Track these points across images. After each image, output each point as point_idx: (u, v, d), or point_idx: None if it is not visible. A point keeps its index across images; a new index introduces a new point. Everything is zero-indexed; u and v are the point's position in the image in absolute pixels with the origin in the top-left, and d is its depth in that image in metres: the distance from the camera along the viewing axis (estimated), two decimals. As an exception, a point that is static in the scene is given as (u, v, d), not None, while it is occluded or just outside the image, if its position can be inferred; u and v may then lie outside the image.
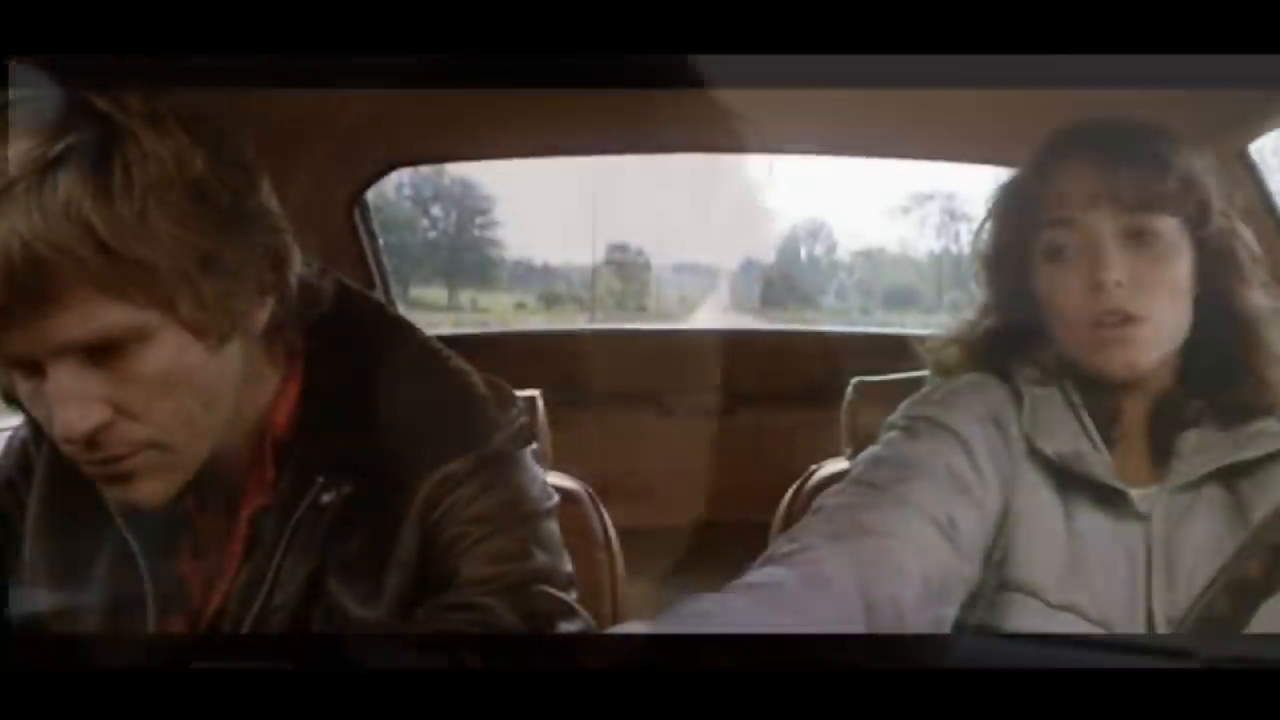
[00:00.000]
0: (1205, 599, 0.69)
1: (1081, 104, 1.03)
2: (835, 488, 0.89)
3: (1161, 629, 0.85)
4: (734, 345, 2.38)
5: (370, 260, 1.93)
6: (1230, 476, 0.91)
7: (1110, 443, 0.92)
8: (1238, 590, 0.68)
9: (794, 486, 1.19)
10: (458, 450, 0.85)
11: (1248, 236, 0.95)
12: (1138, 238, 0.90)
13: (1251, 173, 1.47)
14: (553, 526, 0.90)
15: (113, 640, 0.83)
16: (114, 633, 0.83)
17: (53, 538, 0.86)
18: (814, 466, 1.20)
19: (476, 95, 1.28)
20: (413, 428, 0.85)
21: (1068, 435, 0.91)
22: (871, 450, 0.93)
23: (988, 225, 1.00)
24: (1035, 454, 0.91)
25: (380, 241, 2.15)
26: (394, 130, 1.63)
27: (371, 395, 0.85)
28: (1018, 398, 0.94)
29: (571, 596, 0.86)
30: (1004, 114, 1.37)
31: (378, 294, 1.97)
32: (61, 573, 0.85)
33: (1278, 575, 0.67)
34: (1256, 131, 1.41)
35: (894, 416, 0.96)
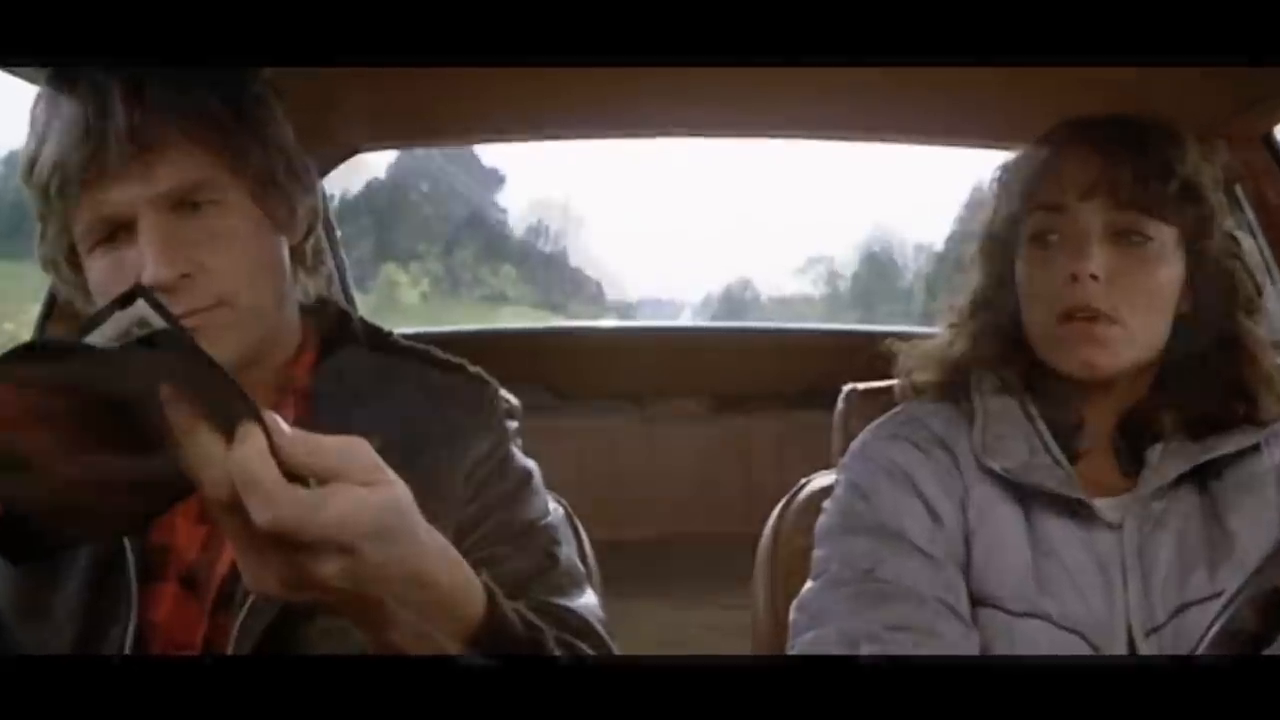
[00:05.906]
0: (1228, 612, 0.66)
1: (1095, 82, 0.97)
2: (816, 553, 0.90)
3: (1139, 638, 0.83)
4: (721, 345, 2.31)
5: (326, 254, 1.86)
6: (1202, 480, 0.88)
7: (1074, 455, 0.89)
8: (1266, 603, 0.65)
9: (783, 500, 1.13)
10: (479, 434, 0.84)
11: (1251, 261, 0.93)
12: (1126, 237, 0.87)
13: (1276, 156, 1.40)
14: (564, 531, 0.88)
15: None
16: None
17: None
18: (804, 480, 1.14)
19: (450, 72, 1.21)
20: (427, 424, 0.82)
21: (1020, 449, 0.89)
22: (834, 501, 0.93)
23: (984, 206, 0.97)
24: (986, 470, 0.89)
25: (338, 234, 2.08)
26: (360, 111, 1.53)
27: (375, 406, 0.83)
28: (970, 417, 0.92)
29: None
30: (1015, 93, 1.31)
31: (335, 290, 1.90)
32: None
33: None
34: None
35: (846, 458, 0.95)
